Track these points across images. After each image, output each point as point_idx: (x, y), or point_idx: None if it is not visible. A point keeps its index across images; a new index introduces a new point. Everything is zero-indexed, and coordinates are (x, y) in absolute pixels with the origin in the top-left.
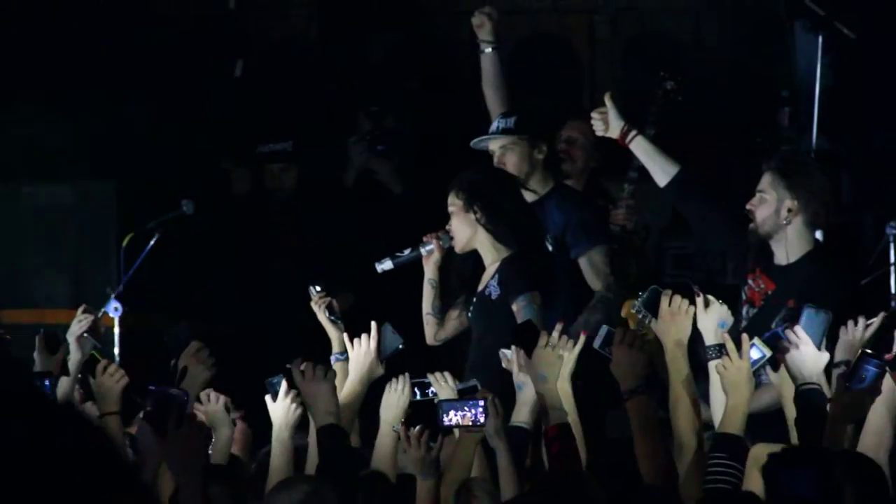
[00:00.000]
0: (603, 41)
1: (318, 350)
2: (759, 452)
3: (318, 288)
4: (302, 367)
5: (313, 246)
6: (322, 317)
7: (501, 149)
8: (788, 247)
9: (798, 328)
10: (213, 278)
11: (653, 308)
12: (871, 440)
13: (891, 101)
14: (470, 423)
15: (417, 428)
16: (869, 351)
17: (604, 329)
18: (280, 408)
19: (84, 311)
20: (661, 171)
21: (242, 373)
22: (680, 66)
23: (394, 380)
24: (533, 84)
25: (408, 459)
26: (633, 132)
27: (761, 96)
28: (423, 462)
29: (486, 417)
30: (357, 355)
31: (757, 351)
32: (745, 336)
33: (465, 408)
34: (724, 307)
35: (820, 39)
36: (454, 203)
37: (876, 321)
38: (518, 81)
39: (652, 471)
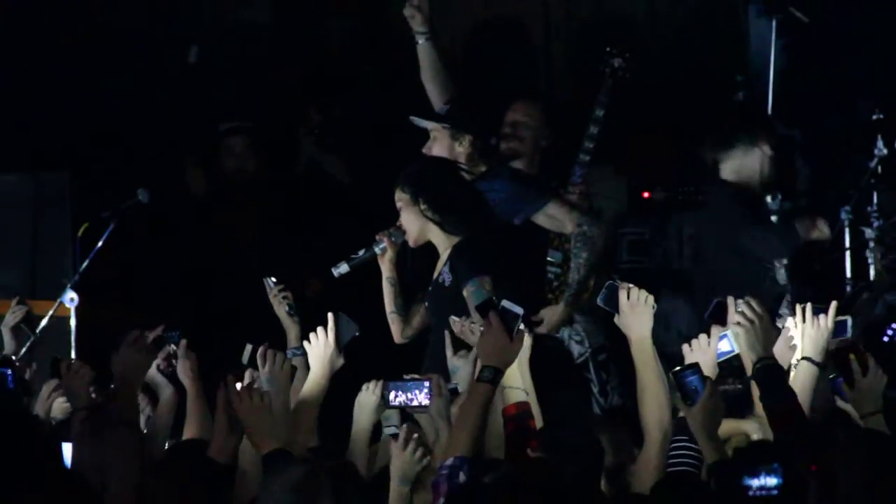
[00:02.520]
0: (557, 23)
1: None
2: (722, 429)
3: (274, 280)
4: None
5: (279, 234)
6: (280, 310)
7: (431, 133)
8: None
9: (755, 301)
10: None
11: (612, 303)
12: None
13: (844, 85)
14: (416, 404)
15: (416, 435)
16: (676, 369)
17: (607, 285)
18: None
19: (18, 303)
20: None
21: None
22: (629, 43)
23: (370, 383)
24: (487, 67)
25: (394, 461)
26: None
27: (715, 80)
28: (408, 469)
29: (430, 399)
30: (316, 348)
31: (727, 343)
32: (714, 327)
33: (410, 389)
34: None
35: (774, 23)
36: (401, 198)
37: (831, 311)
38: (472, 65)
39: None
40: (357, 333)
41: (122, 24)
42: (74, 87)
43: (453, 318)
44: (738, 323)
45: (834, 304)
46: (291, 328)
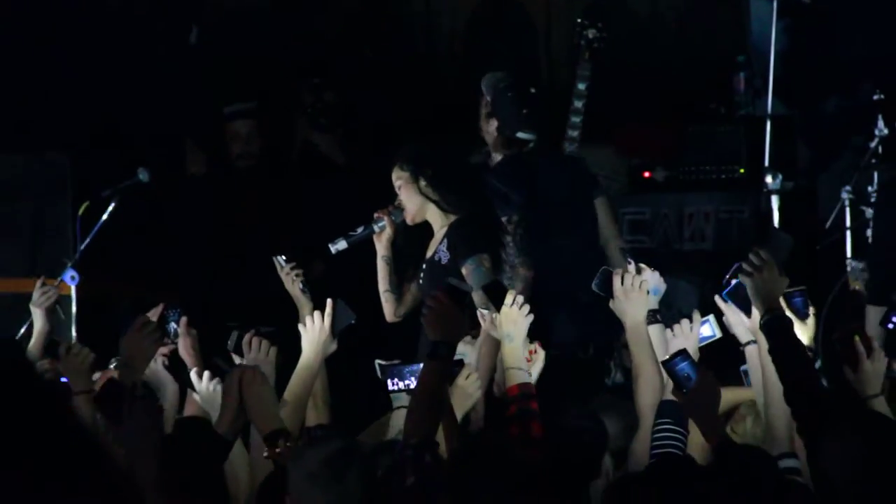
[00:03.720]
0: (559, 7)
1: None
2: (725, 398)
3: (285, 258)
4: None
5: (284, 214)
6: (294, 288)
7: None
8: None
9: (763, 251)
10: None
11: (606, 289)
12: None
13: (845, 66)
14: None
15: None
16: (665, 358)
17: (601, 271)
18: (313, 331)
19: (45, 283)
20: None
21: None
22: (601, 14)
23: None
24: (488, 53)
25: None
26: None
27: (716, 61)
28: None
29: None
30: (311, 332)
31: (709, 328)
32: (696, 312)
33: (406, 374)
34: (657, 274)
35: (775, 4)
36: (400, 176)
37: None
38: (474, 49)
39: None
40: (353, 321)
41: (123, 5)
42: (75, 68)
43: (481, 313)
44: (745, 272)
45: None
46: (305, 306)
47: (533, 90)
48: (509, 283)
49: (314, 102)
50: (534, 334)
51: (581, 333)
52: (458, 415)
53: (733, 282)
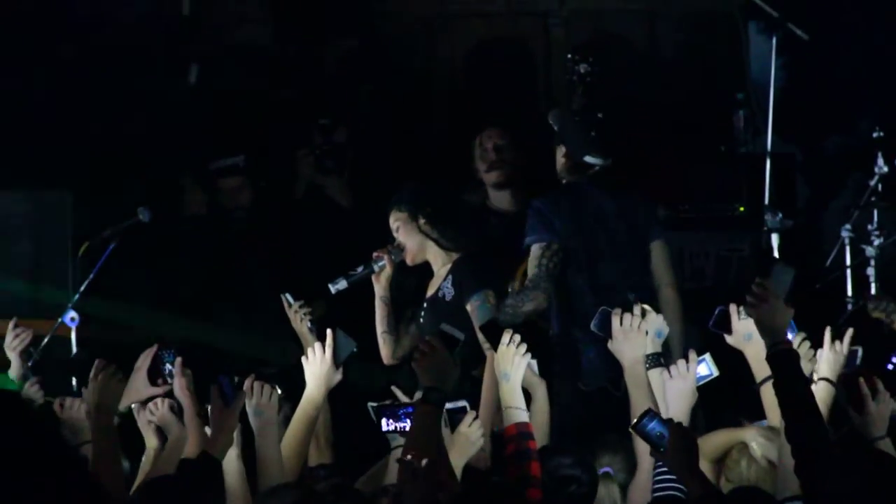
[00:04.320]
0: (558, 44)
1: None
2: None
3: (293, 297)
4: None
5: (282, 256)
6: (301, 326)
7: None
8: None
9: (768, 281)
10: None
11: (605, 328)
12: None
13: (844, 103)
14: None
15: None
16: (633, 422)
17: (600, 310)
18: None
19: (16, 325)
20: None
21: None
22: (590, 49)
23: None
24: (488, 87)
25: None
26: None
27: (716, 99)
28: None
29: None
30: (313, 365)
31: (706, 367)
32: (692, 352)
33: (400, 415)
34: (661, 317)
35: (774, 41)
36: (398, 217)
37: (847, 338)
38: (474, 84)
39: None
40: (355, 350)
41: (124, 44)
42: (76, 106)
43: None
44: (750, 304)
45: (850, 330)
46: (310, 344)
47: (600, 115)
48: (519, 304)
49: (322, 144)
50: (565, 367)
51: (612, 369)
52: (462, 461)
53: (716, 311)
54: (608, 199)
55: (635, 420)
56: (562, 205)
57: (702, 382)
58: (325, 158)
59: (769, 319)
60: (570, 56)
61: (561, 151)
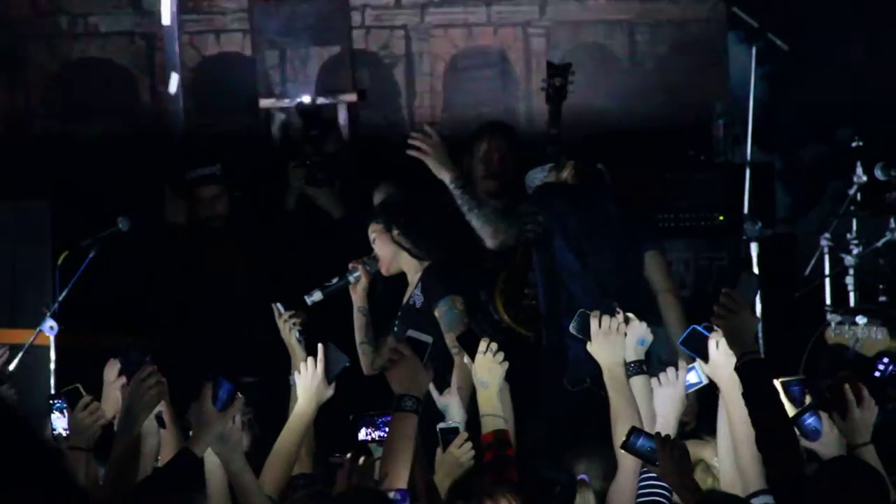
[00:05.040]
0: (539, 54)
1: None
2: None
3: (284, 307)
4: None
5: (261, 267)
6: (290, 336)
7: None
8: None
9: (734, 292)
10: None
11: (584, 331)
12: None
13: (823, 113)
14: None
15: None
16: (622, 441)
17: (579, 313)
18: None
19: None
20: None
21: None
22: (563, 62)
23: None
24: (468, 97)
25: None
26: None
27: (695, 108)
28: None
29: None
30: (304, 380)
31: (695, 375)
32: (682, 360)
33: (379, 425)
34: (643, 325)
35: (753, 51)
36: (375, 229)
37: None
38: (454, 94)
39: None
40: (347, 364)
41: (104, 54)
42: (55, 115)
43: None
44: (718, 315)
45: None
46: (298, 355)
47: (554, 131)
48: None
49: (312, 155)
50: (554, 365)
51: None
52: (447, 482)
53: (687, 329)
54: (612, 204)
55: (623, 440)
56: (576, 205)
57: (691, 391)
58: (317, 171)
59: (737, 329)
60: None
61: (569, 167)
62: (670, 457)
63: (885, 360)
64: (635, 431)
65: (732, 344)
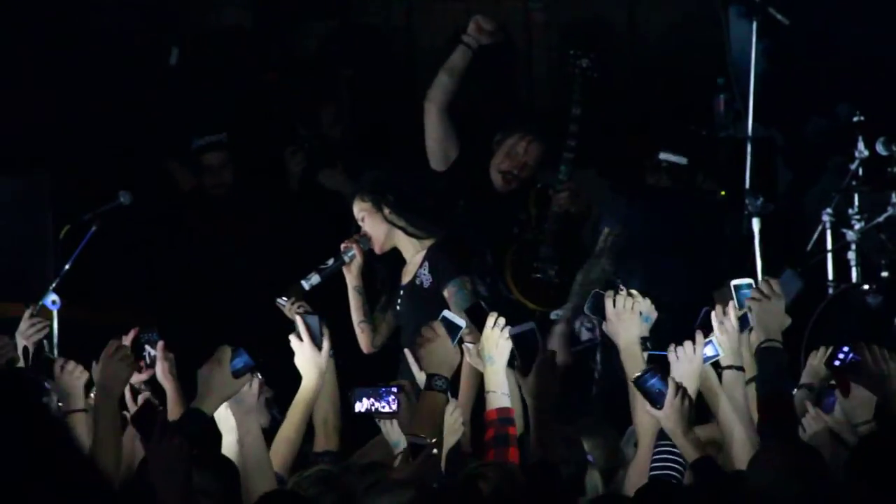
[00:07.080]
0: (539, 28)
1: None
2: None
3: (285, 299)
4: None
5: (262, 240)
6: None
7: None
8: None
9: (775, 281)
10: (159, 270)
11: (599, 311)
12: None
13: (825, 88)
14: (386, 411)
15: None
16: (635, 376)
17: (592, 293)
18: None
19: (33, 316)
20: None
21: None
22: (591, 44)
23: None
24: (469, 75)
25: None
26: None
27: (696, 83)
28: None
29: (398, 406)
30: (299, 354)
31: (712, 348)
32: (699, 333)
33: (378, 396)
34: (647, 301)
35: (754, 26)
36: (363, 208)
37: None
38: None
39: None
40: (322, 321)
41: (104, 25)
42: (56, 88)
43: (467, 347)
44: (754, 298)
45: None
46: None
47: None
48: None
49: (309, 136)
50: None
51: None
52: (443, 450)
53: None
54: (685, 200)
55: (638, 374)
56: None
57: (708, 362)
58: (316, 155)
59: (767, 316)
60: (572, 52)
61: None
62: (679, 405)
63: (845, 349)
64: (652, 370)
65: (758, 328)
